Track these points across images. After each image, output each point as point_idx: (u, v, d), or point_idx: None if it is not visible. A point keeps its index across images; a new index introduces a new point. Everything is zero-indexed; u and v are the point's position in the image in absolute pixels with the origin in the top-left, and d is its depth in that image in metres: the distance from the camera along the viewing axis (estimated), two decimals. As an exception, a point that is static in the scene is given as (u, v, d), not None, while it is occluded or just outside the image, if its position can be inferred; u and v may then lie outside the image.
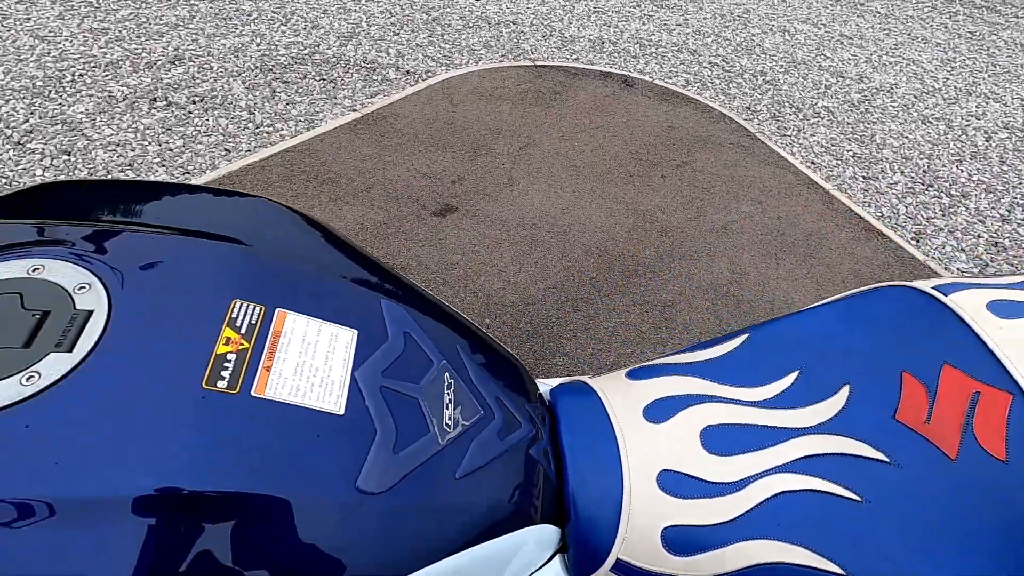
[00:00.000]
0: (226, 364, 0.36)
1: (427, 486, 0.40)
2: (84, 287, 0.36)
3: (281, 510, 0.34)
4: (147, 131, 2.10)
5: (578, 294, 1.77)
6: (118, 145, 2.03)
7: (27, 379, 0.32)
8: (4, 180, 1.83)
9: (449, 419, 0.43)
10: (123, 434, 0.32)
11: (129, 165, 1.97)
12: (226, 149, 2.10)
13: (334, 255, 0.49)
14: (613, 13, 3.54)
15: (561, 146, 2.35)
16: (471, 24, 3.14)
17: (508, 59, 2.91)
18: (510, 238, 1.92)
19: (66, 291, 0.36)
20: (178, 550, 0.32)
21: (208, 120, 2.20)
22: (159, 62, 2.43)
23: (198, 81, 2.37)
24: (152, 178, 1.94)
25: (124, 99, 2.21)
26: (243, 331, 0.38)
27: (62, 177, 1.88)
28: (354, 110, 2.37)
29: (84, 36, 2.50)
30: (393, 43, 2.85)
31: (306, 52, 2.66)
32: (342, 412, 0.38)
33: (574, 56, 3.02)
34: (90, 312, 0.35)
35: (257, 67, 2.51)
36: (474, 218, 1.97)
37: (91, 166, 1.94)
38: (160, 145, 2.06)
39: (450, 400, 0.44)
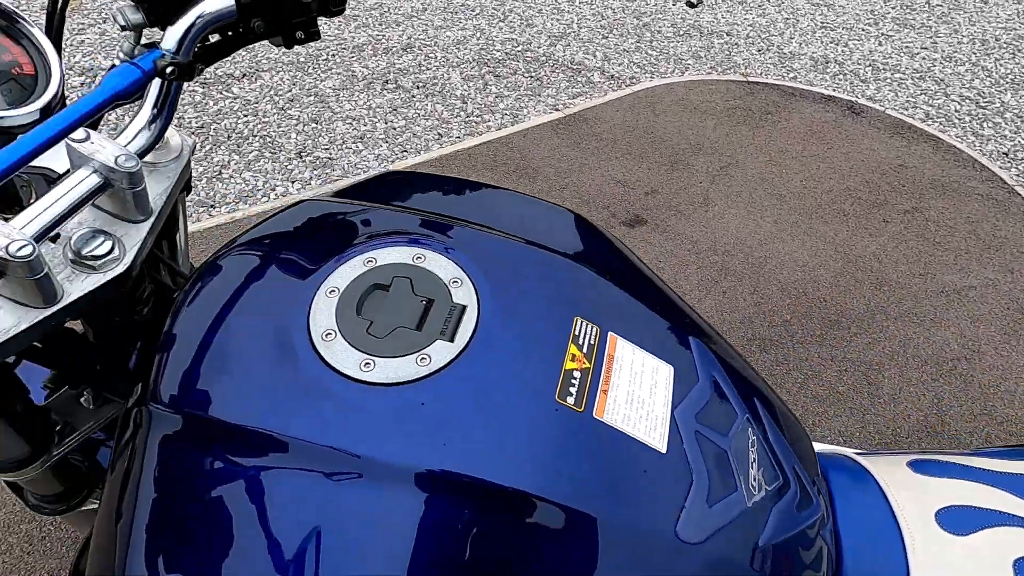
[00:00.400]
0: (572, 381, 0.38)
1: (733, 547, 0.38)
2: (457, 281, 0.40)
3: (604, 535, 0.35)
4: (377, 109, 2.36)
5: (768, 334, 1.64)
6: (354, 119, 2.30)
7: (420, 359, 0.37)
8: (268, 139, 2.18)
9: (754, 480, 0.41)
10: (491, 427, 0.35)
11: (360, 138, 2.22)
12: (439, 133, 2.28)
13: (642, 283, 0.49)
14: (843, 30, 3.19)
15: (767, 171, 2.18)
16: (682, 32, 3.04)
17: (717, 72, 2.77)
18: (699, 261, 1.84)
19: (444, 283, 0.40)
20: (509, 544, 0.34)
21: (427, 105, 2.40)
22: (394, 48, 2.70)
23: (423, 68, 2.59)
24: (376, 152, 2.18)
25: (363, 79, 2.50)
26: (584, 350, 0.39)
27: (308, 142, 2.19)
28: (556, 109, 2.43)
29: (339, 21, 2.87)
30: (600, 46, 2.86)
31: (518, 49, 2.78)
32: (664, 451, 0.38)
33: (792, 75, 2.78)
34: (464, 307, 0.39)
35: (474, 59, 2.68)
36: (663, 234, 1.91)
37: (332, 135, 2.22)
38: (386, 123, 2.30)
39: (754, 460, 0.42)
